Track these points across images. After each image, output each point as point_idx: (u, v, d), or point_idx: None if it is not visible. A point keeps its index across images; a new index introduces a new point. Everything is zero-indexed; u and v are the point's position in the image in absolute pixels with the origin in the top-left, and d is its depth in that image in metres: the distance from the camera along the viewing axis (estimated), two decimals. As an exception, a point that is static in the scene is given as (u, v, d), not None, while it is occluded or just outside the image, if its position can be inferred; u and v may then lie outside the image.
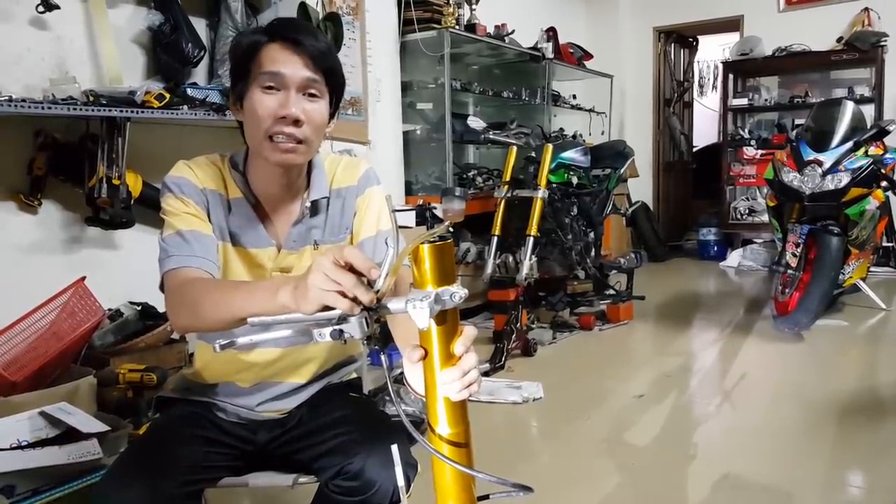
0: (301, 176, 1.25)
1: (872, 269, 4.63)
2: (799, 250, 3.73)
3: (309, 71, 1.14)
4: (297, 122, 1.14)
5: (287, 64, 1.13)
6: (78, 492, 1.65)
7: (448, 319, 0.78)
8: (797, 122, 5.44)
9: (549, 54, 5.13)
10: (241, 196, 1.23)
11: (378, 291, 0.78)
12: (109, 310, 2.52)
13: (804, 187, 3.68)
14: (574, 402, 2.82)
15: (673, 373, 3.20)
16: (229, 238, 1.22)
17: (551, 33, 5.28)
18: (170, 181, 1.19)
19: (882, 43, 5.71)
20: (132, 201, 2.54)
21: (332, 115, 1.23)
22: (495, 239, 3.67)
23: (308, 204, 1.24)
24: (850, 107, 3.91)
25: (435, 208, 3.71)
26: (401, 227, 0.84)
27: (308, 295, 0.79)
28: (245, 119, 1.18)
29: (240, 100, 1.19)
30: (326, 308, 0.78)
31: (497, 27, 4.65)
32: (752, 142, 6.33)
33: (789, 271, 3.77)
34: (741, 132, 6.49)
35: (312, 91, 1.16)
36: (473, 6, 4.46)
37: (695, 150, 7.78)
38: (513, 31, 4.71)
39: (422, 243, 0.75)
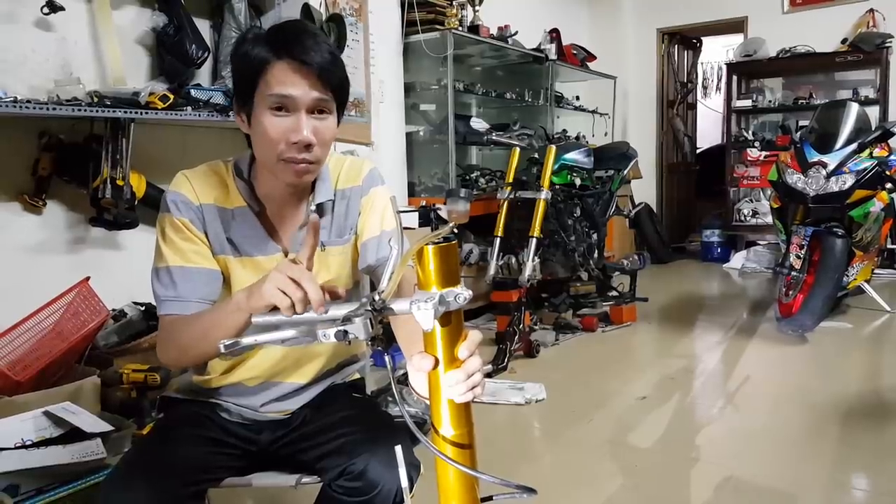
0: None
1: (877, 271, 4.63)
2: (803, 252, 3.72)
3: (317, 91, 1.12)
4: (308, 146, 1.13)
5: (297, 85, 1.11)
6: (82, 491, 1.66)
7: (453, 321, 0.78)
8: (801, 123, 5.42)
9: (553, 55, 5.12)
10: (245, 205, 1.22)
11: (382, 293, 0.78)
12: (113, 310, 2.52)
13: (808, 189, 3.67)
14: (577, 403, 2.81)
15: (676, 375, 3.20)
16: (233, 249, 1.22)
17: (554, 35, 5.28)
18: (168, 198, 1.19)
19: (887, 44, 5.70)
20: (136, 202, 2.55)
21: (338, 122, 1.22)
22: (498, 240, 3.67)
23: (313, 207, 1.24)
24: (854, 108, 3.90)
25: (439, 209, 3.71)
26: (404, 228, 0.85)
27: (265, 285, 0.90)
28: (254, 137, 1.17)
29: (247, 115, 1.17)
30: (274, 309, 0.89)
31: (500, 28, 4.65)
32: (756, 143, 6.31)
33: (793, 273, 3.76)
34: (745, 134, 6.48)
35: (321, 108, 1.14)
36: (477, 7, 4.46)
37: (698, 151, 7.77)
38: (516, 33, 4.71)
39: (426, 244, 0.75)
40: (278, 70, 1.11)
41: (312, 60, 1.11)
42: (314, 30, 1.20)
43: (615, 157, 4.35)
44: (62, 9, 2.39)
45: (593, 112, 5.99)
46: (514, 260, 3.75)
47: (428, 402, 0.82)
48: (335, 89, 1.15)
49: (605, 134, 6.01)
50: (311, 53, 1.11)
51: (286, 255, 1.24)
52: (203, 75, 2.96)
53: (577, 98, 5.88)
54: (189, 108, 2.60)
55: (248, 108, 1.16)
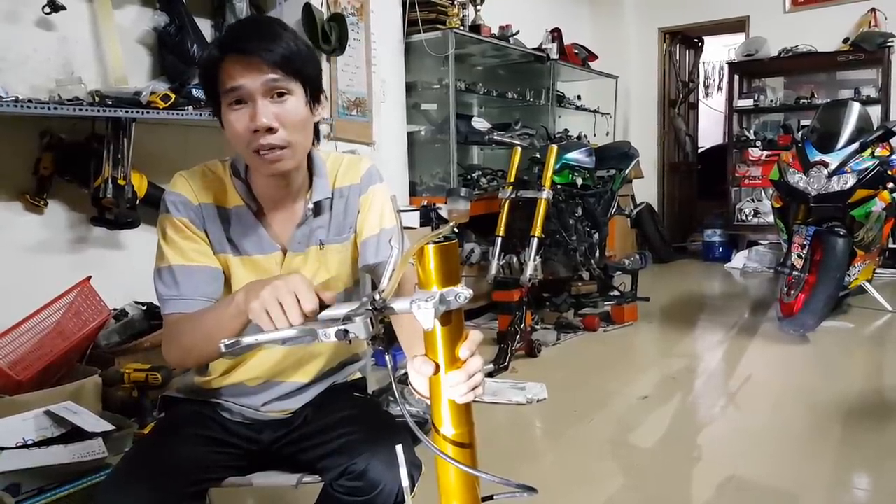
0: (302, 177, 1.24)
1: (878, 270, 4.61)
2: (804, 252, 3.71)
3: (265, 74, 1.10)
4: (271, 130, 1.11)
5: (243, 75, 1.10)
6: (82, 491, 1.66)
7: (453, 320, 0.78)
8: (803, 123, 5.42)
9: (554, 55, 5.12)
10: (243, 204, 1.22)
11: (383, 292, 0.78)
12: (115, 309, 2.52)
13: (810, 188, 3.66)
14: (578, 403, 2.81)
15: (677, 374, 3.19)
16: (233, 248, 1.22)
17: (556, 34, 5.27)
18: (167, 199, 1.20)
19: (889, 44, 5.69)
20: (137, 201, 2.55)
21: (316, 101, 1.19)
22: (499, 240, 3.67)
23: (311, 205, 1.24)
24: (856, 108, 3.90)
25: (439, 209, 3.70)
26: (405, 227, 0.85)
27: (253, 303, 0.90)
28: (229, 138, 1.17)
29: (220, 120, 1.18)
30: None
31: (502, 28, 4.65)
32: (758, 143, 6.32)
33: (794, 273, 3.75)
34: (747, 133, 6.48)
35: (279, 91, 1.12)
36: (478, 7, 4.46)
37: (700, 151, 7.77)
38: (517, 32, 4.70)
39: (427, 244, 0.75)
40: (226, 66, 1.11)
41: (254, 48, 1.10)
42: (267, 20, 1.19)
43: (616, 156, 4.35)
44: (63, 8, 2.39)
45: (595, 111, 5.98)
46: (515, 259, 3.75)
47: (428, 401, 0.82)
48: (286, 69, 1.12)
49: (607, 133, 6.01)
50: (254, 42, 1.10)
51: (285, 254, 1.24)
52: (204, 75, 2.95)
53: (579, 97, 5.87)
54: (190, 107, 2.60)
55: (217, 111, 1.16)
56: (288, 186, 1.23)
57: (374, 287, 0.82)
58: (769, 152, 6.08)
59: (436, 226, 0.77)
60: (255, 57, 1.10)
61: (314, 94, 1.18)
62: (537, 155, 4.11)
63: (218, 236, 1.21)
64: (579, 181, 4.04)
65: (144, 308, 2.60)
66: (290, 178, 1.21)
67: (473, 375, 0.79)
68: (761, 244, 6.17)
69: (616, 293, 4.16)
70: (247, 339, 0.82)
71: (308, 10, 3.18)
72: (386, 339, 0.81)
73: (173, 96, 2.51)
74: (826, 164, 3.66)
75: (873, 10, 5.85)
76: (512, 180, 3.79)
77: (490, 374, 3.10)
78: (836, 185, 3.61)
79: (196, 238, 1.19)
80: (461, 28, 4.18)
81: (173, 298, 1.16)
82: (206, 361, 1.27)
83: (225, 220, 1.22)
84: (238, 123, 1.12)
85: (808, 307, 3.57)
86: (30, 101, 2.22)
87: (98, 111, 2.34)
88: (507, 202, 3.73)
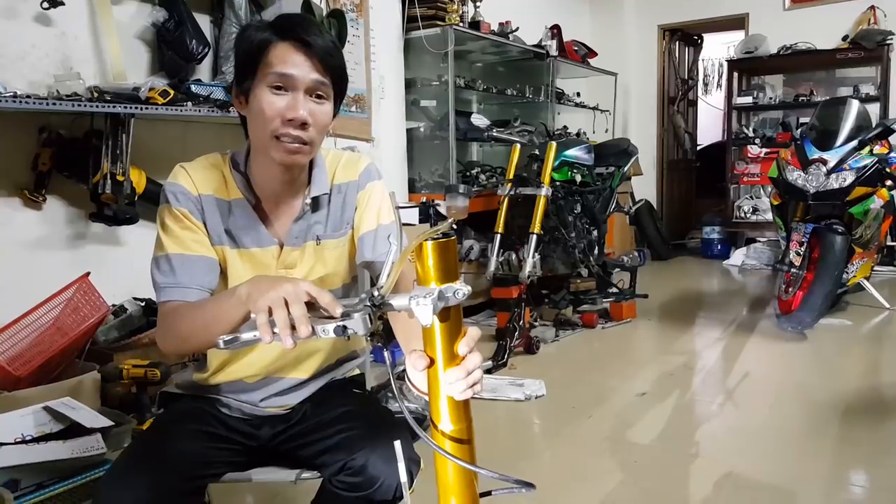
0: (303, 172, 1.25)
1: (876, 268, 4.63)
2: (803, 249, 3.72)
3: (318, 73, 1.14)
4: (303, 125, 1.14)
5: (297, 65, 1.13)
6: (82, 486, 1.66)
7: (451, 317, 0.78)
8: (802, 120, 5.42)
9: (554, 52, 5.12)
10: (242, 197, 1.23)
11: (381, 288, 0.78)
12: (113, 305, 2.52)
13: (808, 186, 3.67)
14: (576, 399, 2.82)
15: (676, 371, 3.20)
16: (230, 241, 1.23)
17: (555, 31, 5.27)
18: (167, 189, 1.20)
19: (888, 41, 5.70)
20: (136, 197, 2.55)
21: (334, 114, 1.23)
22: (498, 237, 3.67)
23: (309, 200, 1.25)
24: (855, 105, 3.90)
25: (438, 205, 3.71)
26: (404, 224, 0.85)
27: (258, 303, 0.86)
28: (250, 116, 1.18)
29: (245, 95, 1.18)
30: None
31: (501, 24, 4.64)
32: (757, 140, 6.31)
33: (793, 270, 3.76)
34: (745, 130, 6.48)
35: (320, 93, 1.16)
36: (477, 3, 4.45)
37: (699, 148, 7.77)
38: (517, 29, 4.70)
39: (425, 240, 0.75)
40: (280, 49, 1.13)
41: (315, 42, 1.13)
42: (317, 21, 1.22)
43: (616, 153, 4.35)
44: (62, 3, 2.39)
45: (594, 108, 5.98)
46: (514, 256, 3.75)
47: (426, 398, 0.82)
48: (334, 76, 1.17)
49: (606, 130, 6.01)
50: (314, 37, 1.14)
51: (282, 248, 1.25)
52: (203, 71, 2.95)
53: (578, 94, 5.87)
54: (189, 103, 2.59)
55: (247, 88, 1.17)
56: (292, 183, 1.24)
57: (373, 283, 0.82)
58: (768, 150, 6.07)
59: (434, 222, 0.77)
60: (314, 53, 1.13)
61: (336, 107, 1.22)
62: (536, 152, 4.11)
63: (216, 228, 1.22)
64: (578, 178, 4.04)
65: (143, 304, 2.60)
66: (292, 173, 1.22)
67: (472, 372, 0.79)
68: (760, 241, 6.18)
69: (615, 290, 4.17)
70: (245, 336, 0.83)
71: (307, 5, 3.17)
72: (384, 336, 0.81)
73: (172, 92, 2.51)
74: (825, 162, 3.66)
75: (872, 7, 5.86)
76: (511, 177, 3.80)
77: (489, 371, 3.11)
78: (834, 182, 3.62)
79: (195, 228, 1.19)
80: (460, 24, 4.17)
81: (170, 286, 1.16)
82: (202, 350, 1.27)
83: (224, 212, 1.22)
84: (271, 107, 1.13)
85: (806, 304, 3.58)
86: (28, 96, 2.21)
87: (97, 107, 2.34)
88: (506, 199, 3.73)
